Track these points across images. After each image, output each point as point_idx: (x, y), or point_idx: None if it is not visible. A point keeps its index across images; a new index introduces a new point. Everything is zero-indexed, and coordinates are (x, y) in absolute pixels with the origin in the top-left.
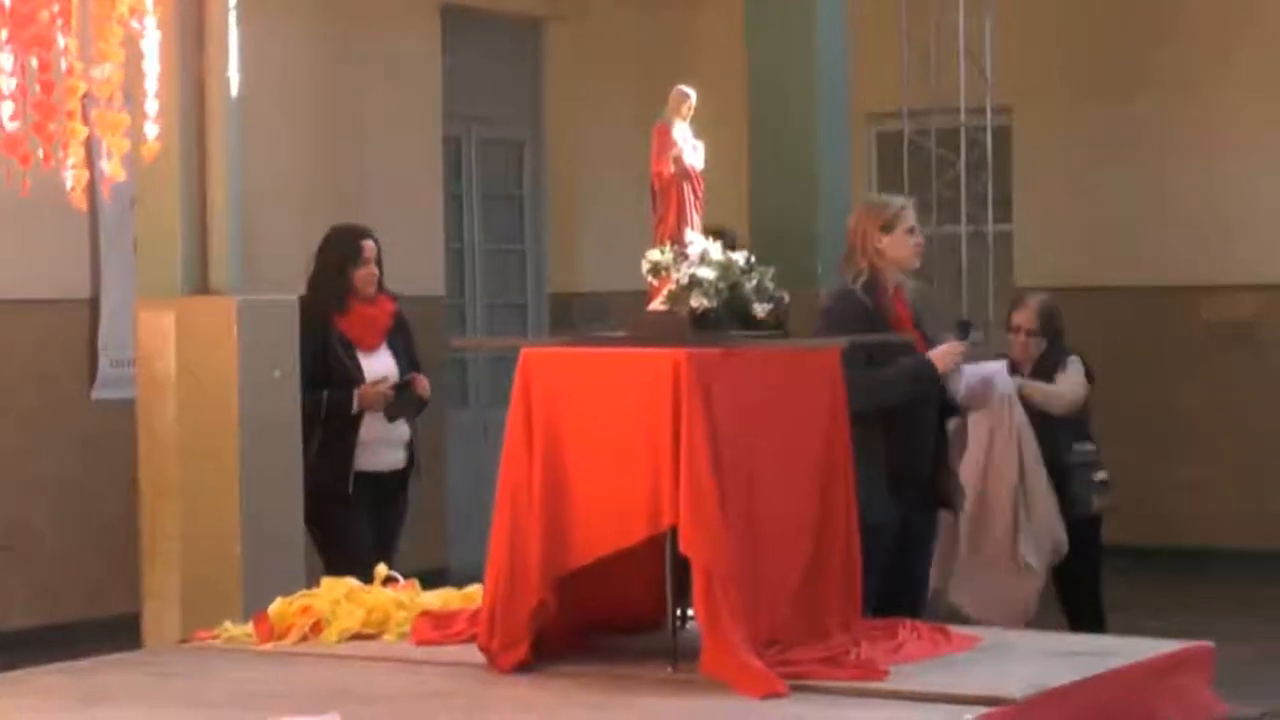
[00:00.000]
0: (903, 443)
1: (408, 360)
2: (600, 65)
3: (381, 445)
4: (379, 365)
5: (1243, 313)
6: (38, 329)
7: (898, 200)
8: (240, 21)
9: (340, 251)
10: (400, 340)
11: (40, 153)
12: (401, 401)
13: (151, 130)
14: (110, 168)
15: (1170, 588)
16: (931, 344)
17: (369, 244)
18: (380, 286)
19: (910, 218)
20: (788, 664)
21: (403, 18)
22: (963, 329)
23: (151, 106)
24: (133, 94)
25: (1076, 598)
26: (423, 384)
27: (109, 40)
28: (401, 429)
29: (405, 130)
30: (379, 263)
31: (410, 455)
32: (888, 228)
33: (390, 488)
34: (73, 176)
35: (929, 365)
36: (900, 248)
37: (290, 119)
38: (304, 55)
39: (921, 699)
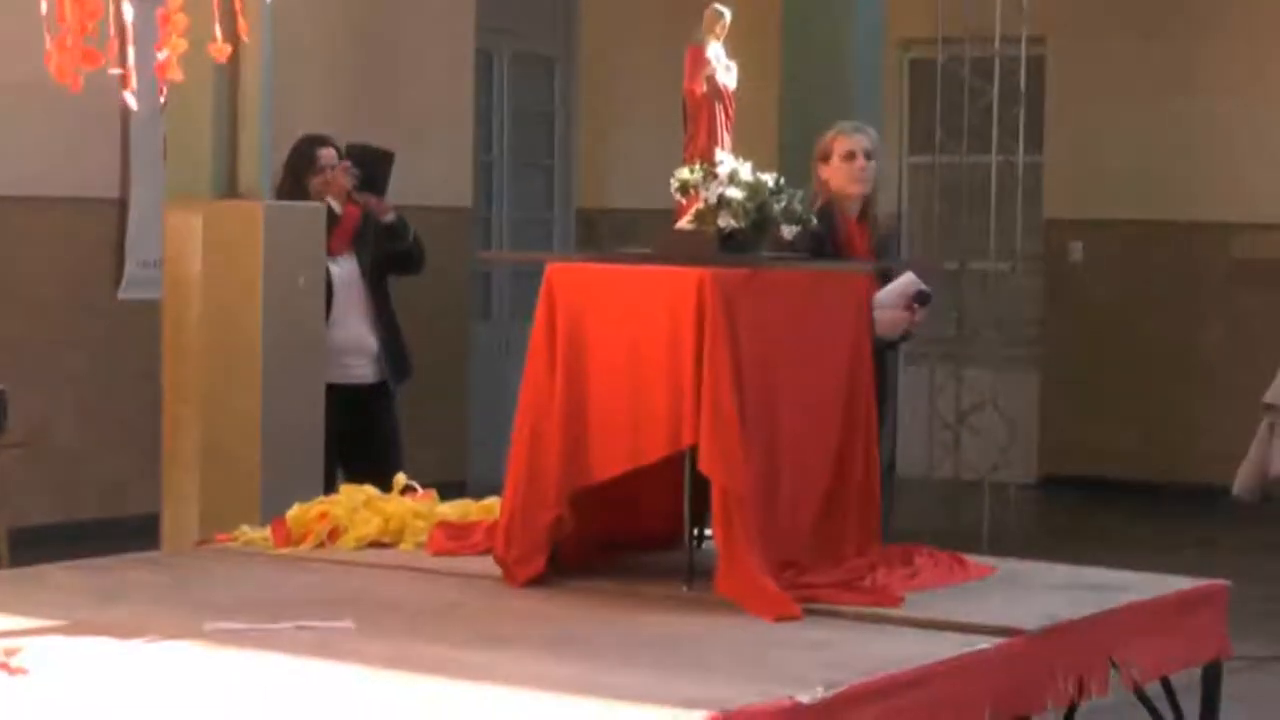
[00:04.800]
0: None
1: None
2: None
3: (350, 356)
4: (344, 268)
5: (1272, 251)
6: (66, 227)
7: (839, 125)
8: None
9: (297, 160)
10: (368, 247)
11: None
12: (369, 172)
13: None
14: (171, 70)
15: (1187, 525)
16: (888, 277)
17: (325, 152)
18: (350, 197)
19: (846, 143)
20: (803, 587)
21: None
22: (922, 298)
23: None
24: None
25: None
26: (383, 206)
27: None
28: (369, 341)
29: (438, 42)
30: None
31: (387, 366)
32: (824, 156)
33: (360, 401)
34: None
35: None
36: (836, 175)
37: (323, 27)
38: None
39: (936, 626)
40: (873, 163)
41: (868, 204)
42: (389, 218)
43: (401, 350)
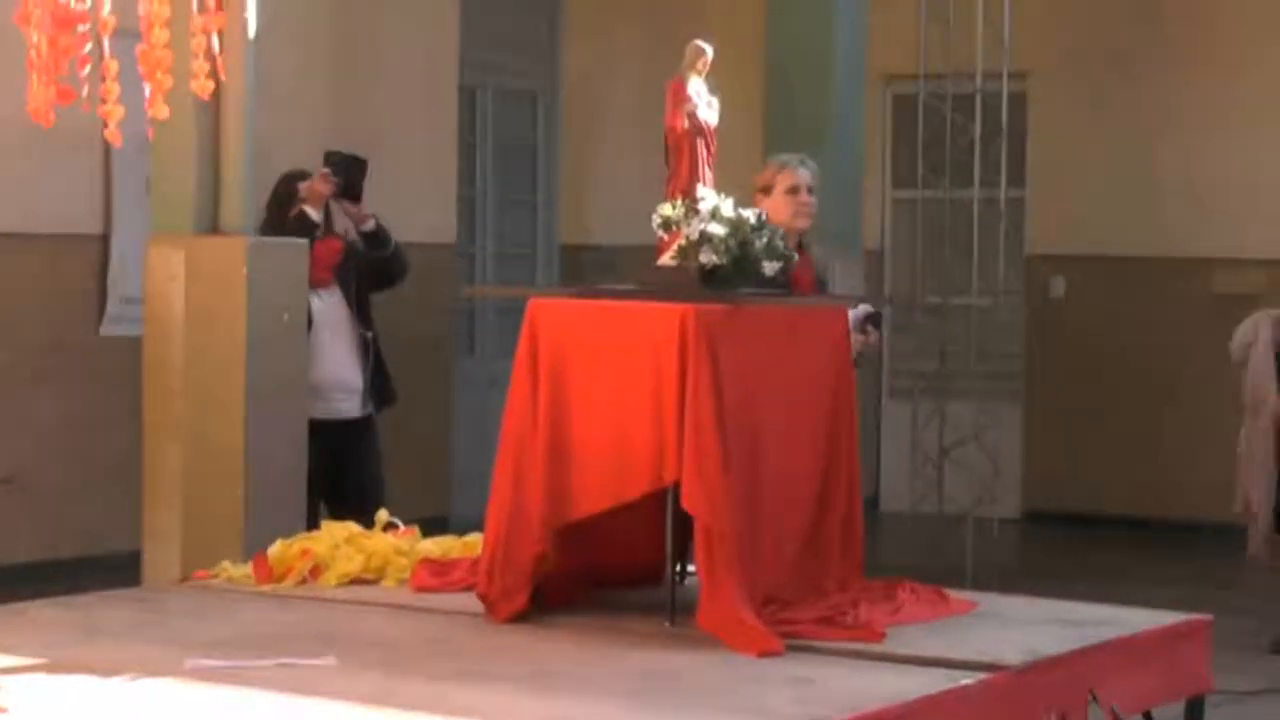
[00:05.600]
0: None
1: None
2: (617, 18)
3: (333, 391)
4: (326, 303)
5: (1253, 286)
6: (48, 263)
7: (778, 159)
8: None
9: (280, 197)
10: (350, 280)
11: (85, 91)
12: (347, 178)
13: (204, 66)
14: (155, 108)
15: (1170, 560)
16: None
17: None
18: (329, 229)
19: (790, 178)
20: (785, 623)
21: None
22: (874, 320)
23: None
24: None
25: None
26: (362, 213)
27: None
28: (353, 376)
29: (421, 77)
30: (326, 206)
31: (371, 398)
32: (766, 190)
33: (344, 436)
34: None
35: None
36: (779, 210)
37: (307, 63)
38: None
39: (918, 662)
40: (814, 197)
41: (803, 235)
42: (369, 225)
43: (385, 379)
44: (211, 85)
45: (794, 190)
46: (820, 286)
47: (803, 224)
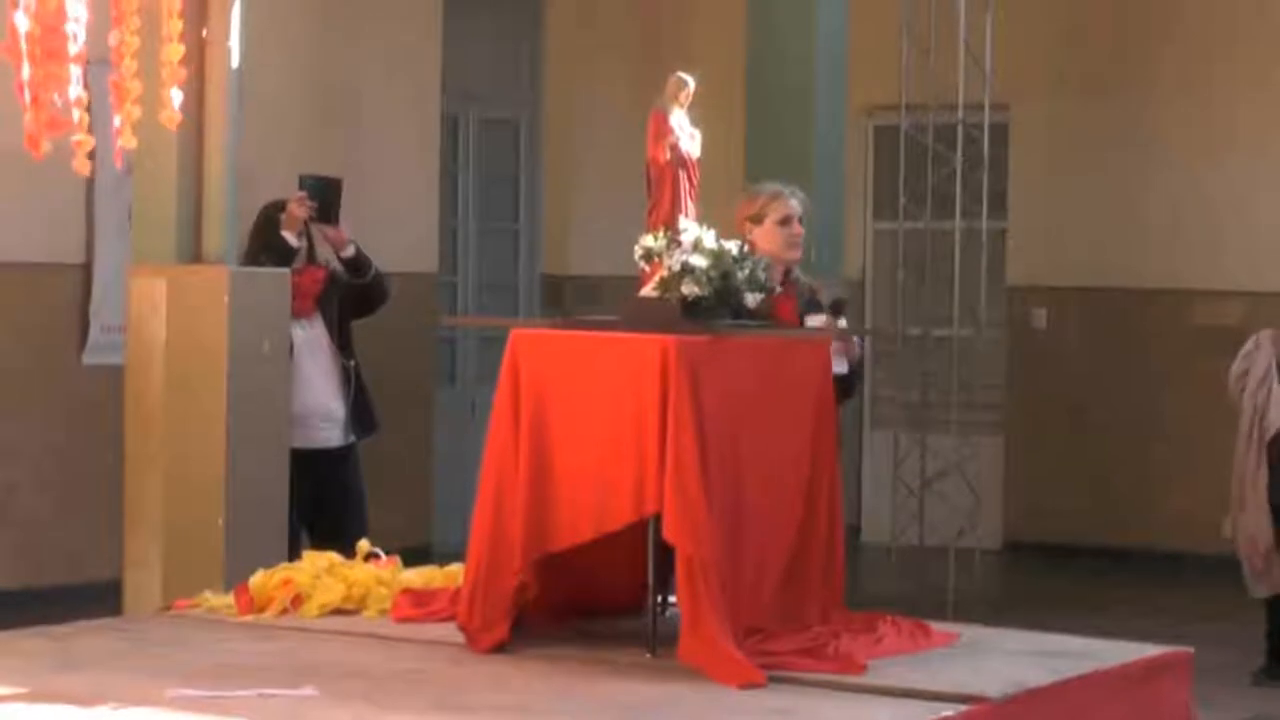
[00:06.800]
0: None
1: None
2: (600, 49)
3: (316, 420)
4: (309, 332)
5: (1234, 318)
6: (30, 292)
7: (769, 189)
8: None
9: (262, 227)
10: (333, 309)
11: (88, 123)
12: (323, 201)
13: (176, 97)
14: (124, 137)
15: (1152, 591)
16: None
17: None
18: (311, 258)
19: (784, 208)
20: (767, 654)
21: None
22: (836, 308)
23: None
24: (144, 61)
25: None
26: (341, 237)
27: (125, 6)
28: (335, 406)
29: (403, 107)
30: (308, 235)
31: (353, 427)
32: (756, 219)
33: (326, 465)
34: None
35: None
36: (770, 240)
37: (289, 92)
38: (306, 28)
39: (899, 694)
40: (804, 228)
41: (792, 266)
42: (349, 251)
43: (367, 408)
44: (180, 116)
45: (786, 221)
46: (803, 319)
47: (794, 255)
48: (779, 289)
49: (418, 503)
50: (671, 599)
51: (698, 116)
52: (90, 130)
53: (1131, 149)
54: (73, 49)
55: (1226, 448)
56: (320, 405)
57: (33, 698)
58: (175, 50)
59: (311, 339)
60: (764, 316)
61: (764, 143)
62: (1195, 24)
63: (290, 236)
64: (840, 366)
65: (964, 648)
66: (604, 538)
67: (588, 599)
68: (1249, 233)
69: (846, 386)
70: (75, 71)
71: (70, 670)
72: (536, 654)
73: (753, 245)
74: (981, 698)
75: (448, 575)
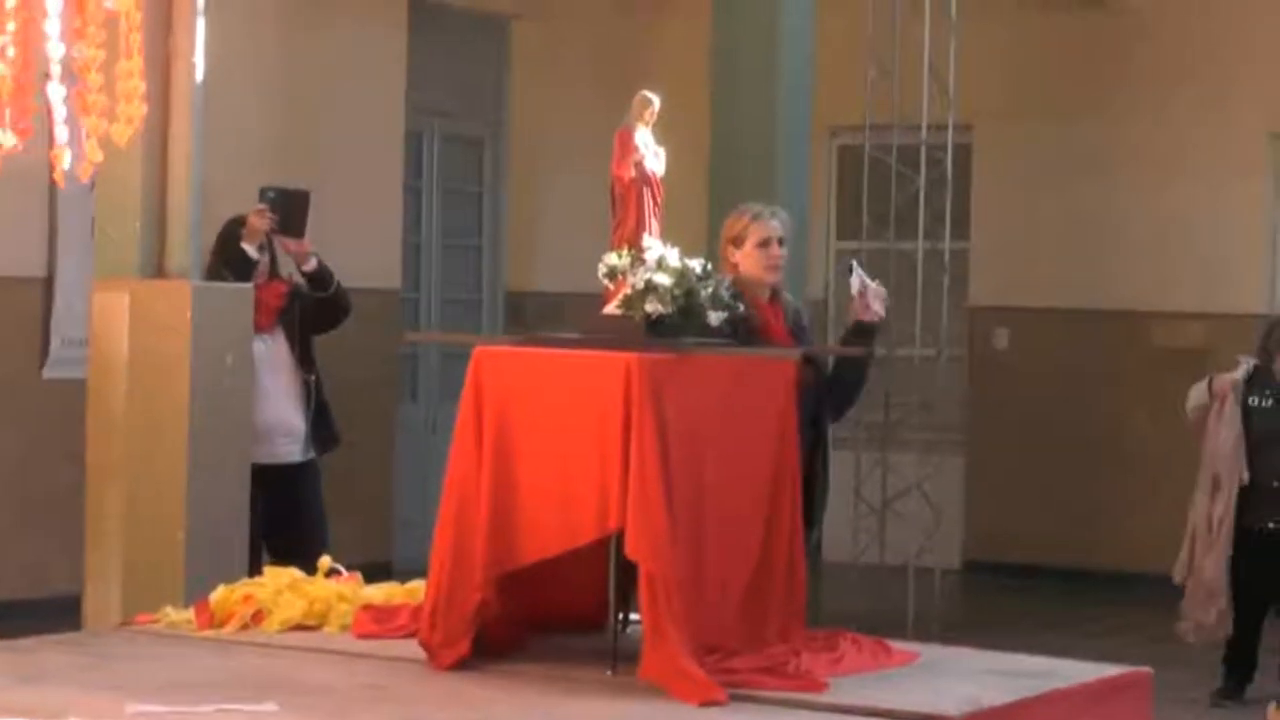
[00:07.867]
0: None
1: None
2: (565, 66)
3: (276, 436)
4: (269, 347)
5: (1193, 340)
6: None
7: (751, 209)
8: (208, 7)
9: (225, 242)
10: (294, 324)
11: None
12: (285, 213)
13: (138, 111)
14: (89, 150)
15: (1111, 611)
16: (811, 361)
17: None
18: (274, 273)
19: (763, 230)
20: (728, 672)
21: (371, 10)
22: (848, 268)
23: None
24: (108, 75)
25: None
26: (303, 251)
27: (88, 19)
28: (295, 421)
29: (368, 122)
30: (271, 249)
31: (314, 443)
32: (737, 241)
33: (286, 481)
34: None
35: (866, 325)
36: (750, 262)
37: (254, 106)
38: (270, 42)
39: (860, 713)
40: (785, 249)
41: (774, 286)
42: (310, 265)
43: (328, 423)
44: (130, 132)
45: (765, 244)
46: (797, 334)
47: (774, 277)
48: (767, 308)
49: (379, 519)
50: (633, 616)
51: (662, 135)
52: (53, 143)
53: (1093, 171)
54: (40, 61)
55: (1185, 469)
56: (281, 420)
57: None
58: (135, 64)
59: (273, 353)
60: (755, 335)
61: (728, 162)
62: (1154, 49)
63: (250, 249)
64: (876, 310)
65: (923, 667)
66: (566, 555)
67: (549, 616)
68: (1208, 255)
69: (869, 338)
70: (51, 85)
71: (30, 685)
72: (498, 670)
73: (734, 267)
74: (941, 717)
75: (409, 592)
